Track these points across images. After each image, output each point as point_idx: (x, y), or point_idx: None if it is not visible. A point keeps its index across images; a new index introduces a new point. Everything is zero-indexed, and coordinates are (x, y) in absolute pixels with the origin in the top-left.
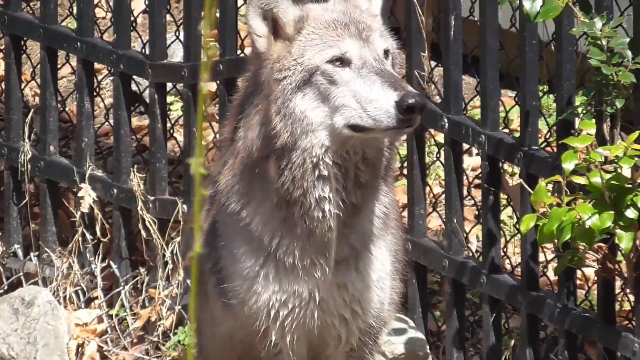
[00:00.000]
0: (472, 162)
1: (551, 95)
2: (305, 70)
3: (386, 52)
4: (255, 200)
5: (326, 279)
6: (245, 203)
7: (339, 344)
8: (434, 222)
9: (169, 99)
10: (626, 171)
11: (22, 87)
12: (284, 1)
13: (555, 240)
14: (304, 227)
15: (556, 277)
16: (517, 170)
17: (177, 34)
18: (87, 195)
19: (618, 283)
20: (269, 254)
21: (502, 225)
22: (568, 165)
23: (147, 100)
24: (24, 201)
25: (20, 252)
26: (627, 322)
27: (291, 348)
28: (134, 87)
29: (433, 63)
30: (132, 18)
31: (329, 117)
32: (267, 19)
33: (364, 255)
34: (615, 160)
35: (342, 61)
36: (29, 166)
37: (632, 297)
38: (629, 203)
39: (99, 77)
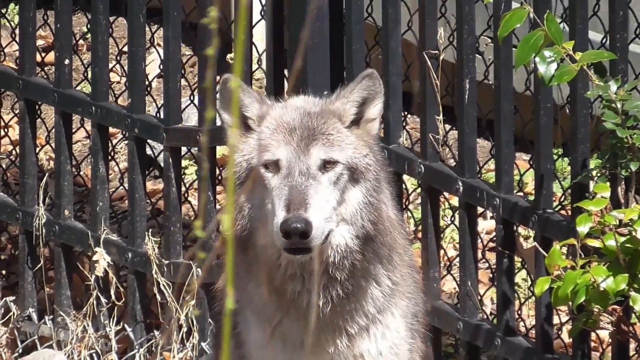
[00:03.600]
0: (486, 225)
1: (566, 159)
2: (248, 168)
3: (329, 163)
4: (252, 282)
5: (339, 352)
6: (248, 280)
7: None
8: (449, 284)
9: (184, 162)
10: None
11: (37, 151)
12: (247, 97)
13: (570, 303)
14: (295, 312)
15: (571, 340)
16: (531, 233)
17: (191, 98)
18: (102, 259)
19: (632, 345)
20: (275, 329)
21: (516, 288)
22: (582, 229)
23: (162, 164)
24: (39, 265)
25: (35, 316)
26: None
27: None
28: (148, 151)
29: (448, 126)
30: (146, 82)
31: (266, 218)
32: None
33: (376, 325)
34: (630, 224)
35: (275, 166)
36: (43, 230)
37: None
38: None
39: (114, 141)
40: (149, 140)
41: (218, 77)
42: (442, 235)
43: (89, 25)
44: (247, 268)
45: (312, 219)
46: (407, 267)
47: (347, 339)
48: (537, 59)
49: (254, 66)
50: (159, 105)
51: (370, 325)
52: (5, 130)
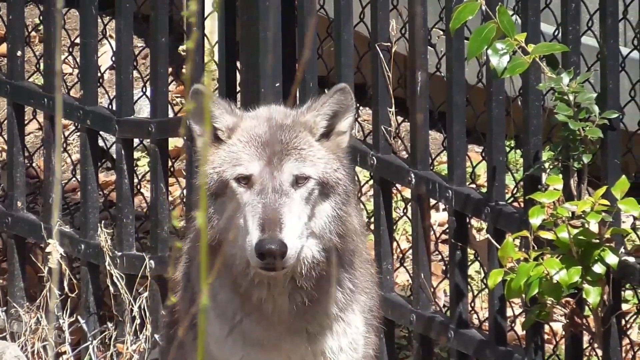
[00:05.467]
0: (439, 217)
1: (518, 151)
2: (219, 181)
3: (301, 178)
4: (218, 278)
5: (299, 351)
6: (211, 275)
7: None
8: (402, 277)
9: (136, 154)
10: (593, 226)
11: None
12: (217, 108)
13: (523, 295)
14: (258, 315)
15: (524, 332)
16: (484, 225)
17: (144, 89)
18: (55, 251)
19: (586, 338)
20: (235, 325)
21: (469, 280)
22: (535, 221)
23: (114, 156)
24: None
25: None
26: None
27: None
28: (101, 142)
29: (400, 118)
30: (99, 74)
31: (237, 231)
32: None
33: (338, 323)
34: (583, 216)
35: (247, 181)
36: None
37: (599, 352)
38: (596, 258)
39: (66, 133)
40: (101, 132)
41: (170, 69)
42: (394, 227)
43: (41, 17)
44: (212, 266)
45: (287, 239)
46: (365, 263)
47: (307, 337)
48: (489, 51)
49: (206, 58)
50: (111, 97)
51: (333, 324)
52: None
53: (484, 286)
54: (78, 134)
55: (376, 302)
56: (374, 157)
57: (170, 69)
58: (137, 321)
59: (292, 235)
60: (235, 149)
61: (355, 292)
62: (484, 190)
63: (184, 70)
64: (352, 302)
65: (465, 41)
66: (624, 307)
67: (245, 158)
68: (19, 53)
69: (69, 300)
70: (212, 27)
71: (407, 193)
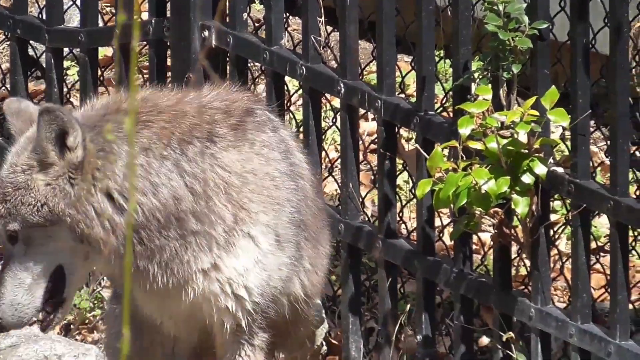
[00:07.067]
0: (368, 127)
1: (447, 61)
2: None
3: (14, 233)
4: None
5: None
6: None
7: (223, 326)
8: (330, 186)
9: (66, 63)
10: (522, 137)
11: None
12: (13, 123)
13: (451, 205)
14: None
15: (452, 242)
16: (413, 135)
17: None
18: None
19: (514, 248)
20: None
21: (398, 190)
22: (464, 131)
23: (44, 65)
24: None
25: None
26: (523, 287)
27: (174, 328)
28: (30, 52)
29: (329, 28)
30: None
31: None
32: None
33: (233, 246)
34: (512, 126)
35: None
36: None
37: (528, 263)
38: (525, 168)
39: None
40: (31, 42)
41: None
42: (323, 137)
43: None
44: None
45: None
46: (266, 180)
47: (202, 275)
48: None
49: None
50: (42, 6)
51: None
52: None
53: (412, 196)
54: (8, 43)
55: (301, 216)
56: (303, 67)
57: None
58: None
59: (7, 303)
60: None
61: (245, 221)
62: (414, 100)
63: None
64: (241, 230)
65: None
66: (553, 217)
67: None
68: None
69: None
70: None
71: (337, 103)
